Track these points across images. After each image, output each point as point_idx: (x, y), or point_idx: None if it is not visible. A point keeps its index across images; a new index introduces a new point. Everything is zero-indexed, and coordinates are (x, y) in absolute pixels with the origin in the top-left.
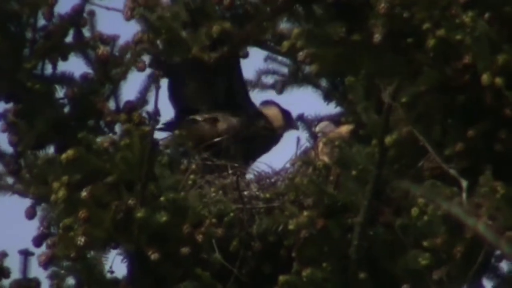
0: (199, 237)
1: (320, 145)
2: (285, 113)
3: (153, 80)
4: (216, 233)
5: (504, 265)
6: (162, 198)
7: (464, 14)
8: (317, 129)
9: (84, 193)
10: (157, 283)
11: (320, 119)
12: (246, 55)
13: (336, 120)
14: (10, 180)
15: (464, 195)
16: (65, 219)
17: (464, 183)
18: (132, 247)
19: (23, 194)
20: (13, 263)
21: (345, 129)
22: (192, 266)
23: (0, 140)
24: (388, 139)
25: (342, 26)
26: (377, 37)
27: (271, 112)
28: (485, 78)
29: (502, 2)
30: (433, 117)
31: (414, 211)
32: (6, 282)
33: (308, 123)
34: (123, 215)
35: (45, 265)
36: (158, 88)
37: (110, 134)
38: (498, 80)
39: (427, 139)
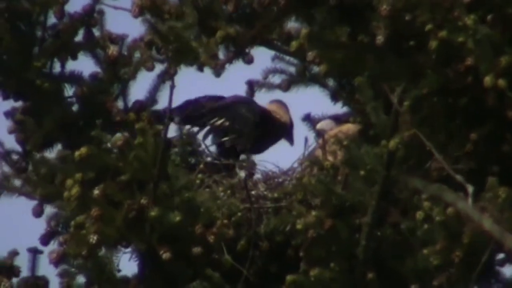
0: (211, 238)
1: (329, 144)
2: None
3: (164, 80)
4: (228, 234)
5: (506, 270)
6: (176, 198)
7: (466, 17)
8: (318, 126)
9: (96, 191)
10: (167, 283)
11: (322, 118)
12: (250, 61)
13: (337, 118)
14: (17, 182)
15: (470, 200)
16: (77, 217)
17: (470, 189)
18: (143, 246)
19: (30, 196)
20: (22, 261)
21: (345, 128)
22: (203, 266)
23: (6, 140)
24: (391, 143)
25: (345, 29)
26: (379, 38)
27: (278, 108)
28: (488, 80)
29: (505, 3)
30: (436, 119)
31: (419, 214)
32: (14, 280)
33: (315, 122)
34: (135, 213)
35: (56, 263)
36: (173, 87)
37: (123, 133)
38: (501, 82)
39: (432, 142)
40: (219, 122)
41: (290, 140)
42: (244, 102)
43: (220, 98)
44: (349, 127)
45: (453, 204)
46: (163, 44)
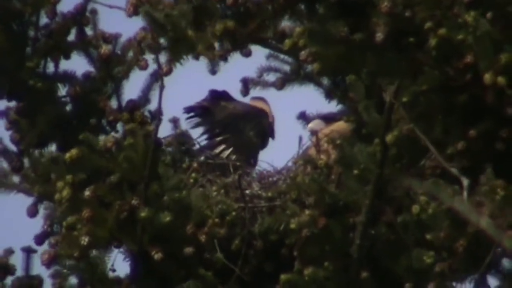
0: (202, 237)
1: (324, 144)
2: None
3: (157, 79)
4: (219, 233)
5: (505, 262)
6: (166, 198)
7: (467, 14)
8: (309, 127)
9: (87, 193)
10: (160, 283)
11: (316, 117)
12: (248, 54)
13: (326, 118)
14: (15, 179)
15: (465, 193)
16: (68, 218)
17: (465, 182)
18: (135, 246)
19: (28, 193)
20: (16, 261)
21: (336, 126)
22: (195, 266)
23: (4, 138)
24: (389, 137)
25: (344, 25)
26: (379, 35)
27: (263, 106)
28: (487, 77)
29: (505, 1)
30: (434, 116)
31: (415, 208)
32: (8, 279)
33: (310, 121)
34: (127, 214)
35: (48, 264)
36: (162, 87)
37: (113, 134)
38: (501, 79)
39: (428, 138)
40: (220, 149)
41: (272, 134)
42: (252, 116)
43: (224, 95)
44: (340, 125)
45: (449, 203)
46: (157, 36)
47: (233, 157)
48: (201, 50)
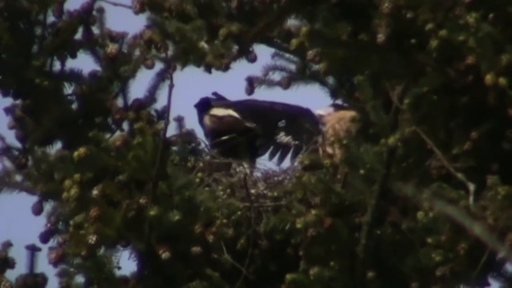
0: (210, 237)
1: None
2: None
3: (167, 77)
4: (227, 234)
5: (508, 266)
6: (176, 197)
7: (468, 15)
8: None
9: (95, 191)
10: (166, 282)
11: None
12: (254, 59)
13: (338, 106)
14: (18, 177)
15: (471, 198)
16: (76, 217)
17: (472, 187)
18: (142, 245)
19: (31, 191)
20: (20, 259)
21: (341, 114)
22: (203, 266)
23: (7, 136)
24: (391, 140)
25: (347, 27)
26: (380, 37)
27: None
28: (488, 78)
29: (506, 2)
30: (436, 118)
31: (420, 214)
32: (12, 276)
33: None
34: (134, 213)
35: (55, 263)
36: (172, 86)
37: (122, 133)
38: (502, 80)
39: (432, 140)
40: (286, 139)
41: None
42: (306, 114)
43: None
44: (347, 113)
45: (444, 211)
46: (164, 42)
47: (294, 142)
48: (210, 60)
